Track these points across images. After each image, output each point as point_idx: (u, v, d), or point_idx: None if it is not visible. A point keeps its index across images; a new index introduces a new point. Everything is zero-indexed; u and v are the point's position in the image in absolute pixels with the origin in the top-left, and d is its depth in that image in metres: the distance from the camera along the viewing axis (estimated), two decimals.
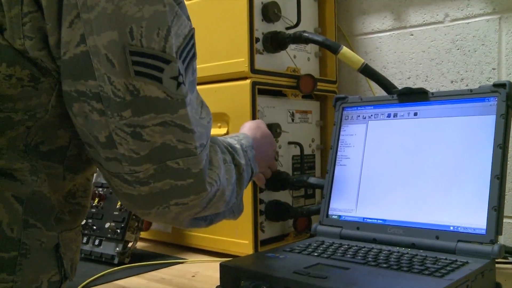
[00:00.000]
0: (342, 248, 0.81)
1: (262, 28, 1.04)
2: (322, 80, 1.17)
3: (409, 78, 1.19)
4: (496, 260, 0.75)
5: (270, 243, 1.04)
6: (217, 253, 1.05)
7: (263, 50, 1.04)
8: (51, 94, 0.57)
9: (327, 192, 0.95)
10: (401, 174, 0.87)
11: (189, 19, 0.63)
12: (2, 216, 0.55)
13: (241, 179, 0.77)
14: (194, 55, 0.63)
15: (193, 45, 0.63)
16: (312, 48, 1.18)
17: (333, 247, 0.83)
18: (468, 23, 1.10)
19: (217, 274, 0.77)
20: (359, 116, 0.96)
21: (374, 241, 0.85)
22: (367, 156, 0.92)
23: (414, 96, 0.89)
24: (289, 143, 1.10)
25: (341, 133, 0.97)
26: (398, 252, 0.79)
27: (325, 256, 0.78)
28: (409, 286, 0.64)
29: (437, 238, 0.79)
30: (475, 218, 0.77)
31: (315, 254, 0.80)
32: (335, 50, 1.01)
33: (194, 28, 0.63)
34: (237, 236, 1.00)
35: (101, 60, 0.54)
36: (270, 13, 1.04)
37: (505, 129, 0.78)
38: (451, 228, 0.79)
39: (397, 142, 0.89)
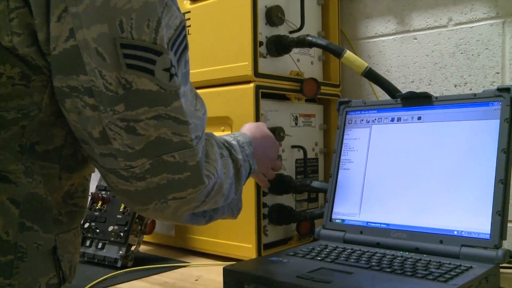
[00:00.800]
0: (346, 253, 0.81)
1: (265, 32, 1.04)
2: (325, 84, 1.17)
3: (412, 82, 1.19)
4: (501, 265, 0.75)
5: (273, 247, 1.04)
6: (220, 256, 1.05)
7: (266, 54, 1.04)
8: (44, 92, 0.57)
9: (330, 196, 0.95)
10: (405, 178, 0.87)
11: (179, 10, 0.61)
12: None
13: (239, 174, 0.76)
14: (186, 47, 0.62)
15: (185, 36, 0.62)
16: (315, 52, 1.18)
17: (336, 251, 0.83)
18: (471, 27, 1.10)
19: (220, 278, 0.77)
20: (362, 120, 0.96)
21: (378, 245, 0.85)
22: (370, 160, 0.92)
23: (418, 100, 0.89)
24: (293, 146, 1.10)
25: (345, 137, 0.97)
26: (402, 256, 0.78)
27: (329, 260, 0.78)
28: None
29: (441, 242, 0.79)
30: (479, 223, 0.77)
31: (319, 258, 0.79)
32: (338, 54, 1.01)
33: (185, 19, 0.63)
34: (240, 240, 1.00)
35: (91, 54, 0.54)
36: (274, 17, 1.04)
37: (509, 134, 0.78)
38: (455, 232, 0.79)
39: (401, 146, 0.89)
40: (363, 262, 0.76)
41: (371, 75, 1.00)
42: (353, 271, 0.72)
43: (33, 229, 0.58)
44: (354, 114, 0.97)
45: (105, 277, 0.92)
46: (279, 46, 1.04)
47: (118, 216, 1.04)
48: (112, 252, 1.01)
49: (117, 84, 0.55)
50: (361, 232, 0.88)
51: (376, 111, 0.94)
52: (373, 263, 0.75)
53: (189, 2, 1.11)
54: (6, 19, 0.53)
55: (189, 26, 1.11)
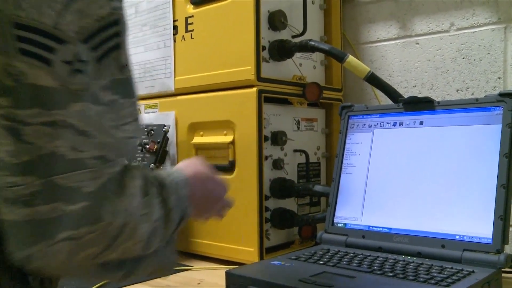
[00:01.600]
0: (348, 257, 0.81)
1: (268, 36, 1.04)
2: (327, 88, 1.17)
3: (414, 86, 1.19)
4: (502, 270, 0.75)
5: (275, 251, 1.04)
6: (222, 260, 1.05)
7: (269, 58, 1.04)
8: None
9: (332, 200, 0.95)
10: (407, 183, 0.87)
11: (119, 4, 0.52)
12: None
13: (169, 218, 0.59)
14: (118, 47, 0.52)
15: (117, 34, 0.52)
16: (318, 56, 1.19)
17: (338, 255, 0.83)
18: (473, 32, 1.10)
19: (222, 282, 0.77)
20: (364, 124, 0.96)
21: (380, 249, 0.85)
22: (372, 165, 0.92)
23: (420, 105, 0.90)
24: (295, 151, 1.11)
25: (347, 141, 0.97)
26: (404, 260, 0.78)
27: (331, 264, 0.78)
28: None
29: (443, 247, 0.79)
30: (481, 227, 0.77)
31: (321, 262, 0.80)
32: (341, 58, 1.01)
33: (122, 17, 0.53)
34: (242, 244, 1.01)
35: None
36: (277, 21, 1.04)
37: (511, 139, 0.78)
38: (457, 237, 0.79)
39: (403, 150, 0.90)
40: (365, 266, 0.76)
41: (373, 80, 1.01)
42: (355, 275, 0.73)
43: None
44: (356, 119, 0.98)
45: (107, 280, 0.92)
46: (281, 51, 1.05)
47: None
48: None
49: (4, 73, 0.45)
50: (363, 236, 0.88)
51: (378, 116, 0.95)
52: (375, 267, 0.75)
53: (192, 6, 1.12)
54: None
55: (192, 30, 1.11)
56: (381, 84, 1.01)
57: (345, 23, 1.29)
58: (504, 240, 0.75)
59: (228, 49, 1.04)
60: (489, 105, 0.82)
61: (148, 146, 1.08)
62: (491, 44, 1.08)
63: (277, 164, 1.05)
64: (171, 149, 1.14)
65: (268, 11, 1.04)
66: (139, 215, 0.53)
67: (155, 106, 1.20)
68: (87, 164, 0.48)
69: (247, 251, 0.99)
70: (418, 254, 0.81)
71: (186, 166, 0.72)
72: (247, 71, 1.00)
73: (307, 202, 1.14)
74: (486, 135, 0.81)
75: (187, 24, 1.12)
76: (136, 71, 1.24)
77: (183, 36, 1.13)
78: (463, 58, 1.11)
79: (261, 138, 0.99)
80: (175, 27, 1.15)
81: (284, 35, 1.08)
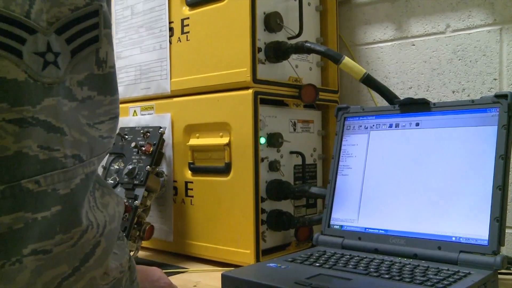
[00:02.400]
0: (344, 259, 0.81)
1: (264, 38, 1.04)
2: (324, 90, 1.17)
3: (410, 88, 1.19)
4: (499, 271, 0.75)
5: (271, 253, 1.03)
6: (218, 262, 1.05)
7: (265, 60, 1.04)
8: None
9: (328, 202, 0.95)
10: (403, 185, 0.87)
11: None
12: None
13: (132, 270, 0.56)
14: (96, 40, 0.48)
15: (95, 26, 0.48)
16: (314, 58, 1.19)
17: (334, 257, 0.83)
18: (469, 33, 1.10)
19: (218, 284, 0.77)
20: (361, 126, 0.96)
21: (376, 251, 0.85)
22: (369, 166, 0.92)
23: (416, 107, 0.90)
24: (291, 152, 1.10)
25: (343, 143, 0.97)
26: (400, 262, 0.78)
27: (327, 266, 0.78)
28: None
29: (439, 248, 0.79)
30: (477, 229, 0.77)
31: (317, 264, 0.79)
32: (337, 60, 1.01)
33: (102, 8, 0.49)
34: (238, 246, 1.00)
35: None
36: (273, 23, 1.04)
37: (507, 140, 0.78)
38: (453, 238, 0.79)
39: (399, 152, 0.90)
40: (361, 268, 0.76)
41: (369, 81, 1.00)
42: (352, 277, 0.72)
43: None
44: (352, 120, 0.97)
45: None
46: (277, 52, 1.05)
47: None
48: None
49: None
50: (359, 238, 0.88)
51: (374, 117, 0.95)
52: (372, 269, 0.75)
53: (187, 8, 1.11)
54: None
55: (188, 32, 1.11)
56: (377, 86, 1.01)
57: (341, 24, 1.29)
58: (500, 242, 0.75)
59: (224, 50, 1.04)
60: (485, 106, 0.82)
61: (144, 148, 1.08)
62: (487, 45, 1.08)
63: (273, 166, 1.05)
64: (167, 151, 1.14)
65: (264, 13, 1.04)
66: (112, 239, 0.49)
67: (151, 108, 1.19)
68: (61, 163, 0.44)
69: (243, 253, 0.99)
70: (415, 256, 0.81)
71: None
72: (243, 72, 0.99)
73: (304, 204, 1.14)
74: (482, 137, 0.81)
75: (183, 25, 1.12)
76: (132, 72, 1.23)
77: (179, 37, 1.13)
78: (459, 60, 1.12)
79: (257, 140, 0.99)
80: (171, 29, 1.14)
81: (280, 36, 1.08)
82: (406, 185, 0.87)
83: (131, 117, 1.23)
